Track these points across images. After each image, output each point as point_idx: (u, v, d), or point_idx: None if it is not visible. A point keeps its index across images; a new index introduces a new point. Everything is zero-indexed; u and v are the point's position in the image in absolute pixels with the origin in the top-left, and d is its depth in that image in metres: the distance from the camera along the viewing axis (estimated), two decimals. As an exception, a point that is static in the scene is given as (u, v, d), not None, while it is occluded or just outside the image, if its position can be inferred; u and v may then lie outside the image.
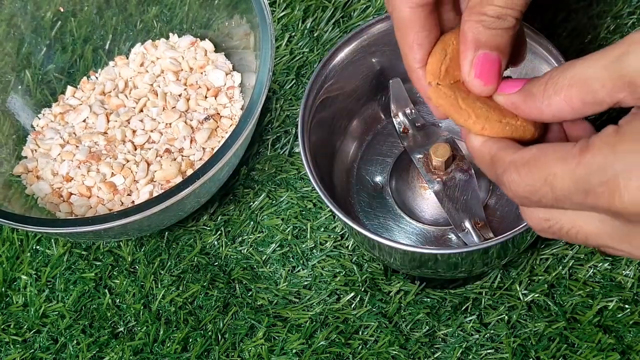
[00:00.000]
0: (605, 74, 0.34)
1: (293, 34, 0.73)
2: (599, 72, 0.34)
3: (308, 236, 0.65)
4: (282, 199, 0.66)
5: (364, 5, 0.73)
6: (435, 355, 0.60)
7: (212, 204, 0.66)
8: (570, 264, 0.61)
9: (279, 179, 0.67)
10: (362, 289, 0.62)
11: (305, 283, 0.63)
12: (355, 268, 0.63)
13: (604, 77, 0.34)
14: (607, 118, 0.62)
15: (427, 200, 0.60)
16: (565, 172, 0.34)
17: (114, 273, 0.65)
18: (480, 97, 0.41)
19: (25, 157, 0.67)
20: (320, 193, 0.53)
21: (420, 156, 0.64)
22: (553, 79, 0.36)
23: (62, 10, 0.70)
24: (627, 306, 0.59)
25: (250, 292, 0.63)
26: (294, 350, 0.60)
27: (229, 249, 0.65)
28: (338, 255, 0.64)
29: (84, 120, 0.68)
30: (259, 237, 0.65)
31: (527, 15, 0.67)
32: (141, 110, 0.68)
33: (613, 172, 0.32)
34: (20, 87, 0.69)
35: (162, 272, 0.65)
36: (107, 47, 0.72)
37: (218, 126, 0.66)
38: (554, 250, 0.61)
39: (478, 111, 0.40)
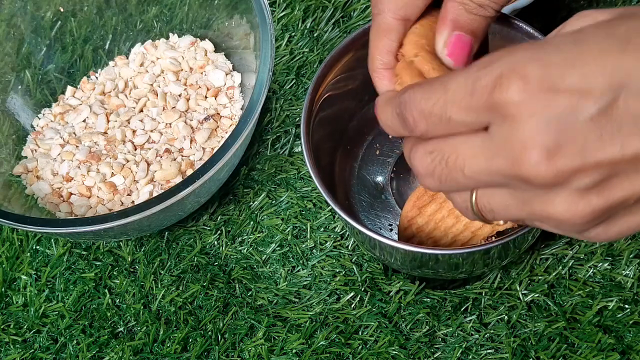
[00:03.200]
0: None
1: (293, 34, 0.73)
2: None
3: (308, 236, 0.65)
4: (282, 199, 0.66)
5: (364, 5, 0.73)
6: (435, 355, 0.60)
7: (212, 204, 0.66)
8: (570, 264, 0.61)
9: (279, 178, 0.67)
10: (362, 289, 0.62)
11: (305, 283, 0.63)
12: (355, 268, 0.63)
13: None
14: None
15: (427, 200, 0.60)
16: (462, 73, 0.34)
17: (114, 273, 0.65)
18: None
19: (25, 157, 0.67)
20: (321, 191, 0.53)
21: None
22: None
23: (62, 10, 0.70)
24: (627, 306, 0.59)
25: (250, 292, 0.63)
26: (294, 350, 0.60)
27: (229, 249, 0.65)
28: (338, 255, 0.64)
29: (84, 120, 0.68)
30: (259, 237, 0.65)
31: (527, 15, 0.67)
32: (141, 110, 0.68)
33: (499, 64, 0.32)
34: (20, 87, 0.69)
35: (162, 272, 0.65)
36: (107, 47, 0.72)
37: (218, 126, 0.66)
38: (554, 250, 0.61)
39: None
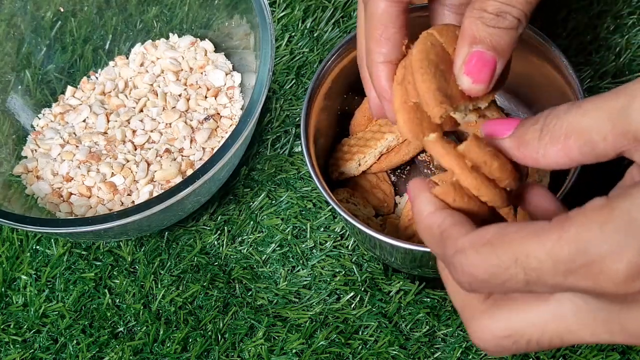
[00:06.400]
0: (608, 127, 0.32)
1: (293, 34, 0.73)
2: (600, 124, 0.32)
3: (308, 236, 0.65)
4: (282, 199, 0.66)
5: (364, 5, 0.73)
6: (435, 355, 0.60)
7: (212, 204, 0.66)
8: (570, 264, 0.61)
9: (278, 178, 0.67)
10: (362, 289, 0.62)
11: (305, 283, 0.63)
12: (355, 268, 0.63)
13: (606, 130, 0.32)
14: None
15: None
16: (541, 250, 0.30)
17: (114, 273, 0.65)
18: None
19: (25, 157, 0.67)
20: (321, 191, 0.53)
21: (422, 156, 0.64)
22: (548, 126, 0.33)
23: (62, 10, 0.70)
24: (627, 306, 0.59)
25: (250, 292, 0.63)
26: (294, 350, 0.60)
27: (229, 249, 0.65)
28: (338, 255, 0.64)
29: (84, 120, 0.68)
30: (259, 237, 0.65)
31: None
32: (141, 110, 0.68)
33: (600, 251, 0.29)
34: (20, 87, 0.69)
35: (162, 272, 0.65)
36: (107, 47, 0.72)
37: (218, 126, 0.66)
38: (554, 250, 0.61)
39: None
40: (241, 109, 0.67)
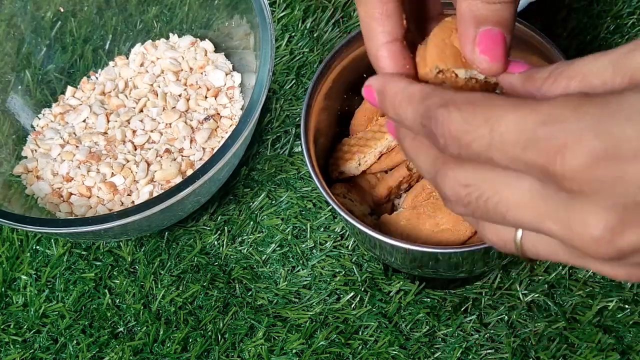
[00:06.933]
0: (609, 70, 0.32)
1: (293, 34, 0.73)
2: (602, 68, 0.32)
3: (308, 236, 0.65)
4: (282, 199, 0.66)
5: (364, 6, 0.73)
6: (435, 355, 0.60)
7: (212, 204, 0.66)
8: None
9: (279, 179, 0.67)
10: (362, 289, 0.62)
11: (305, 283, 0.63)
12: (355, 268, 0.63)
13: (606, 74, 0.32)
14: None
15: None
16: (513, 117, 0.30)
17: (114, 273, 0.65)
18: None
19: (25, 157, 0.67)
20: (321, 191, 0.53)
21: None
22: (558, 68, 0.34)
23: (62, 10, 0.70)
24: (627, 306, 0.59)
25: (250, 292, 0.63)
26: (294, 350, 0.60)
27: (229, 249, 0.65)
28: (338, 255, 0.64)
29: (84, 121, 0.68)
30: (259, 237, 0.65)
31: (528, 15, 0.67)
32: (141, 111, 0.68)
33: (564, 128, 0.29)
34: (20, 87, 0.69)
35: (162, 272, 0.65)
36: (107, 47, 0.72)
37: (218, 126, 0.66)
38: (554, 250, 0.61)
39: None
40: (241, 109, 0.67)
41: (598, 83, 0.32)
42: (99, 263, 0.66)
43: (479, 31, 0.38)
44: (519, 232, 0.34)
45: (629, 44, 0.32)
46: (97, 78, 0.71)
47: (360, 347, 0.60)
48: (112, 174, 0.63)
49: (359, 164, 0.59)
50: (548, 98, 0.32)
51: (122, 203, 0.63)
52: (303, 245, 0.64)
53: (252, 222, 0.66)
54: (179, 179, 0.63)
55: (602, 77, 0.32)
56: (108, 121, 0.67)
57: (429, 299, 0.61)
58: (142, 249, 0.66)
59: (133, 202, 0.63)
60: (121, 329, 0.63)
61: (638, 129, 0.28)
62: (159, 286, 0.64)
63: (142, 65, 0.70)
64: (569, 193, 0.30)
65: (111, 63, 0.72)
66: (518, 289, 0.61)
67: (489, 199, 0.32)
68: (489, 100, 0.31)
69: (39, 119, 0.69)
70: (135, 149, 0.65)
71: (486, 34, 0.38)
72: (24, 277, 0.65)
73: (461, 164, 0.33)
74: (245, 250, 0.65)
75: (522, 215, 0.32)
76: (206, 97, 0.68)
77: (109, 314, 0.63)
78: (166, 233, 0.66)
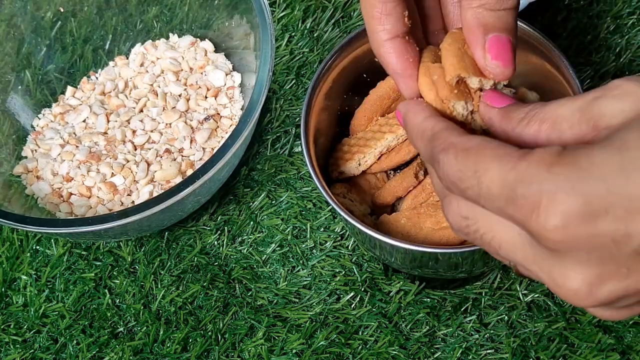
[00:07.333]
0: (576, 116, 0.33)
1: (293, 34, 0.73)
2: (570, 114, 0.34)
3: (308, 236, 0.65)
4: (282, 199, 0.66)
5: (364, 6, 0.73)
6: (435, 355, 0.60)
7: (212, 204, 0.66)
8: (570, 264, 0.61)
9: (278, 179, 0.67)
10: (362, 289, 0.62)
11: (305, 283, 0.63)
12: (355, 268, 0.63)
13: (574, 119, 0.33)
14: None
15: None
16: (496, 172, 0.32)
17: (114, 273, 0.65)
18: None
19: (25, 157, 0.67)
20: (321, 191, 0.53)
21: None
22: (533, 110, 0.35)
23: (62, 10, 0.70)
24: (627, 306, 0.59)
25: (250, 292, 0.63)
26: (294, 350, 0.60)
27: (229, 249, 0.65)
28: (338, 255, 0.64)
29: (84, 121, 0.68)
30: (259, 237, 0.65)
31: (527, 15, 0.67)
32: (141, 111, 0.68)
33: (539, 189, 0.31)
34: (20, 87, 0.69)
35: (162, 272, 0.65)
36: (107, 47, 0.72)
37: (218, 126, 0.66)
38: (554, 250, 0.61)
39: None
40: (241, 109, 0.67)
41: (566, 127, 0.34)
42: (99, 263, 0.66)
43: (488, 38, 0.39)
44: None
45: (596, 90, 0.33)
46: (97, 78, 0.71)
47: (360, 347, 0.60)
48: (112, 174, 0.63)
49: (359, 164, 0.59)
50: (523, 139, 0.35)
51: (122, 203, 0.63)
52: (303, 245, 0.64)
53: (252, 222, 0.66)
54: (179, 179, 0.63)
55: (570, 122, 0.34)
56: (108, 121, 0.67)
57: (429, 299, 0.61)
58: (142, 249, 0.66)
59: (133, 202, 0.63)
60: (121, 329, 0.63)
61: (607, 185, 0.30)
62: (159, 286, 0.64)
63: (142, 65, 0.70)
64: (551, 250, 0.32)
65: (111, 63, 0.72)
66: (518, 289, 0.61)
67: (484, 235, 0.35)
68: (480, 149, 0.33)
69: (39, 119, 0.69)
70: (135, 149, 0.65)
71: (495, 40, 0.39)
72: (24, 277, 0.65)
73: (461, 200, 0.35)
74: (245, 250, 0.65)
75: (513, 255, 0.34)
76: (206, 97, 0.68)
77: (109, 314, 0.63)
78: (166, 233, 0.66)
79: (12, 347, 0.63)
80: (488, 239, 0.35)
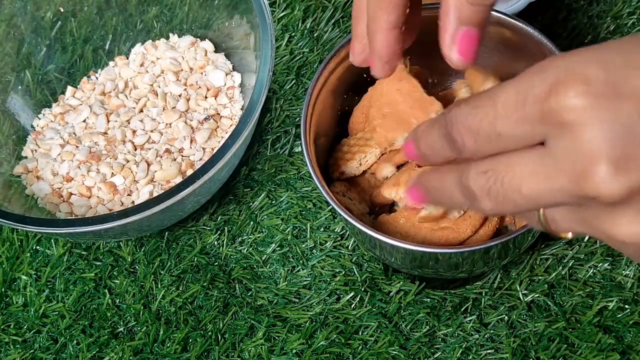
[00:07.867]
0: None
1: (293, 34, 0.73)
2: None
3: (308, 236, 0.65)
4: (282, 199, 0.66)
5: (364, 6, 0.73)
6: (435, 356, 0.60)
7: (212, 204, 0.66)
8: (570, 264, 0.61)
9: (279, 179, 0.67)
10: (362, 289, 0.62)
11: (305, 283, 0.63)
12: (355, 268, 0.63)
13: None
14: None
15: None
16: (512, 85, 0.31)
17: (114, 273, 0.65)
18: None
19: (25, 157, 0.67)
20: (321, 191, 0.53)
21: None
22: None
23: (62, 10, 0.70)
24: (627, 306, 0.59)
25: (250, 292, 0.63)
26: (294, 350, 0.60)
27: (229, 249, 0.65)
28: (338, 255, 0.64)
29: (84, 121, 0.68)
30: (259, 237, 0.65)
31: (527, 15, 0.67)
32: (141, 111, 0.68)
33: (556, 68, 0.30)
34: (20, 87, 0.69)
35: (162, 272, 0.65)
36: (107, 47, 0.72)
37: (218, 126, 0.66)
38: (554, 251, 0.61)
39: None
40: (241, 109, 0.67)
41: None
42: (99, 263, 0.66)
43: (460, 30, 0.40)
44: (541, 210, 0.35)
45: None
46: (97, 78, 0.71)
47: (360, 347, 0.60)
48: (112, 174, 0.63)
49: (360, 164, 0.59)
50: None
51: (122, 203, 0.63)
52: (303, 245, 0.64)
53: (252, 222, 0.66)
54: (179, 179, 0.63)
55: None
56: (108, 121, 0.67)
57: (429, 299, 0.61)
58: (142, 249, 0.66)
59: (133, 202, 0.63)
60: (121, 329, 0.63)
61: (627, 57, 0.29)
62: (159, 286, 0.64)
63: (142, 65, 0.70)
64: (569, 130, 0.30)
65: (111, 63, 0.72)
66: (518, 289, 0.61)
67: (504, 178, 0.33)
68: (493, 88, 0.33)
69: (39, 119, 0.69)
70: (135, 149, 0.65)
71: (466, 35, 0.40)
72: (24, 277, 0.65)
73: (480, 160, 0.34)
74: (245, 250, 0.65)
75: (536, 184, 0.32)
76: (206, 97, 0.68)
77: (109, 314, 0.63)
78: (166, 233, 0.66)
79: (12, 347, 0.63)
80: (509, 181, 0.32)
